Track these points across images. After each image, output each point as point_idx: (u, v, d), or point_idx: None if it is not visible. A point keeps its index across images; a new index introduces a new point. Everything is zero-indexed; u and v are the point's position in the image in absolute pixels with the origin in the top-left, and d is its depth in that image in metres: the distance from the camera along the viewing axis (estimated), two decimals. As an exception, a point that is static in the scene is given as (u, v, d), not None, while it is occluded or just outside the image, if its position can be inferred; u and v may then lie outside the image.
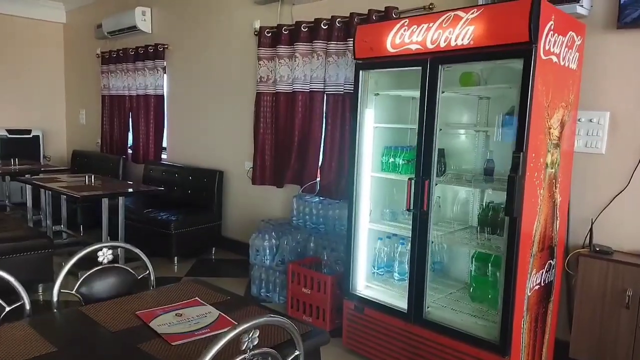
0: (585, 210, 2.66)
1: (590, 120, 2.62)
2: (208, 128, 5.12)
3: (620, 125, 2.56)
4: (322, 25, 3.79)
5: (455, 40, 2.30)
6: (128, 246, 1.98)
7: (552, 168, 2.34)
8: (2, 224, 3.92)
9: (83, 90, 7.01)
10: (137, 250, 1.98)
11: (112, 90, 6.17)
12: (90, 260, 1.91)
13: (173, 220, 4.38)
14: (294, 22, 4.02)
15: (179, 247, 4.41)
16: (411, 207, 2.51)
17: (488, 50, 2.21)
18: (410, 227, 2.57)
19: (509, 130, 2.41)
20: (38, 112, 7.14)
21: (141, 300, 1.77)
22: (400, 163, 2.82)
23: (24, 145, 6.74)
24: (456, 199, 2.95)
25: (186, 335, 1.47)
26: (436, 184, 2.50)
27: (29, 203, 4.87)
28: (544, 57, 2.15)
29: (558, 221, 2.49)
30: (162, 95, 5.59)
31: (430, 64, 2.42)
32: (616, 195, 2.57)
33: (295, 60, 3.99)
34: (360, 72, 2.77)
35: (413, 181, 2.50)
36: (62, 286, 1.76)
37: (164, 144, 5.72)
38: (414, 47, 2.47)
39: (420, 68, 2.46)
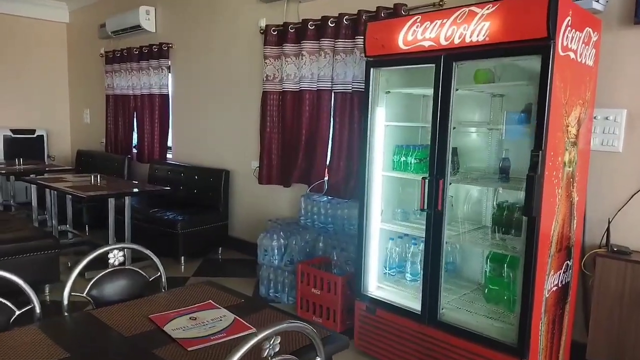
0: (601, 209, 2.61)
1: (607, 118, 2.57)
2: (213, 127, 5.08)
3: (637, 122, 2.51)
4: (329, 22, 3.75)
5: (470, 37, 2.25)
6: (140, 248, 1.94)
7: (569, 167, 2.29)
8: (8, 224, 3.90)
9: (87, 89, 6.98)
10: (148, 252, 1.94)
11: (117, 90, 6.14)
12: (98, 261, 1.87)
13: (179, 220, 4.35)
14: (300, 20, 3.98)
15: (185, 247, 4.38)
16: (425, 207, 2.47)
17: (504, 47, 2.16)
18: (422, 226, 2.53)
19: (525, 128, 2.36)
20: (42, 111, 7.12)
21: (153, 303, 1.73)
22: (412, 162, 2.77)
23: (28, 145, 6.72)
24: (468, 198, 2.90)
25: (202, 340, 1.43)
26: (450, 183, 2.46)
27: (35, 203, 4.84)
28: (562, 54, 2.10)
29: (575, 221, 2.45)
30: (167, 95, 5.56)
31: (444, 61, 2.37)
32: (634, 194, 2.52)
33: (302, 59, 3.95)
34: (371, 69, 2.72)
35: (427, 180, 2.45)
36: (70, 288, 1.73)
37: (169, 144, 5.68)
38: (427, 43, 2.43)
39: (433, 65, 2.42)
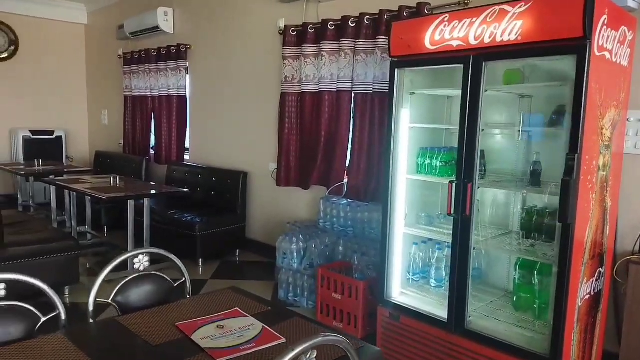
0: (634, 215, 2.52)
1: (641, 120, 2.49)
2: (231, 128, 5.05)
3: (674, 125, 2.42)
4: (349, 22, 3.70)
5: (502, 36, 2.18)
6: (165, 253, 1.90)
7: (603, 171, 2.21)
8: (28, 225, 3.91)
9: (105, 91, 7.02)
10: (173, 257, 1.91)
11: (135, 91, 6.16)
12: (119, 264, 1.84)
13: (198, 221, 4.33)
14: (320, 20, 3.93)
15: (203, 249, 4.36)
16: (452, 212, 2.40)
17: (538, 46, 2.09)
18: (447, 231, 2.46)
19: (557, 130, 2.29)
20: (60, 113, 7.18)
21: (179, 309, 1.70)
22: (438, 165, 2.70)
23: (46, 146, 6.78)
24: (494, 203, 2.83)
25: (232, 351, 1.39)
26: (478, 187, 2.39)
27: (54, 204, 4.86)
28: (597, 54, 2.03)
29: (608, 227, 2.36)
30: (185, 96, 5.56)
31: (473, 61, 2.30)
32: (670, 199, 2.43)
33: (321, 59, 3.91)
34: (396, 70, 2.66)
35: (454, 184, 2.39)
36: (89, 290, 1.70)
37: (187, 145, 5.68)
38: (455, 43, 2.36)
39: (461, 65, 2.35)
